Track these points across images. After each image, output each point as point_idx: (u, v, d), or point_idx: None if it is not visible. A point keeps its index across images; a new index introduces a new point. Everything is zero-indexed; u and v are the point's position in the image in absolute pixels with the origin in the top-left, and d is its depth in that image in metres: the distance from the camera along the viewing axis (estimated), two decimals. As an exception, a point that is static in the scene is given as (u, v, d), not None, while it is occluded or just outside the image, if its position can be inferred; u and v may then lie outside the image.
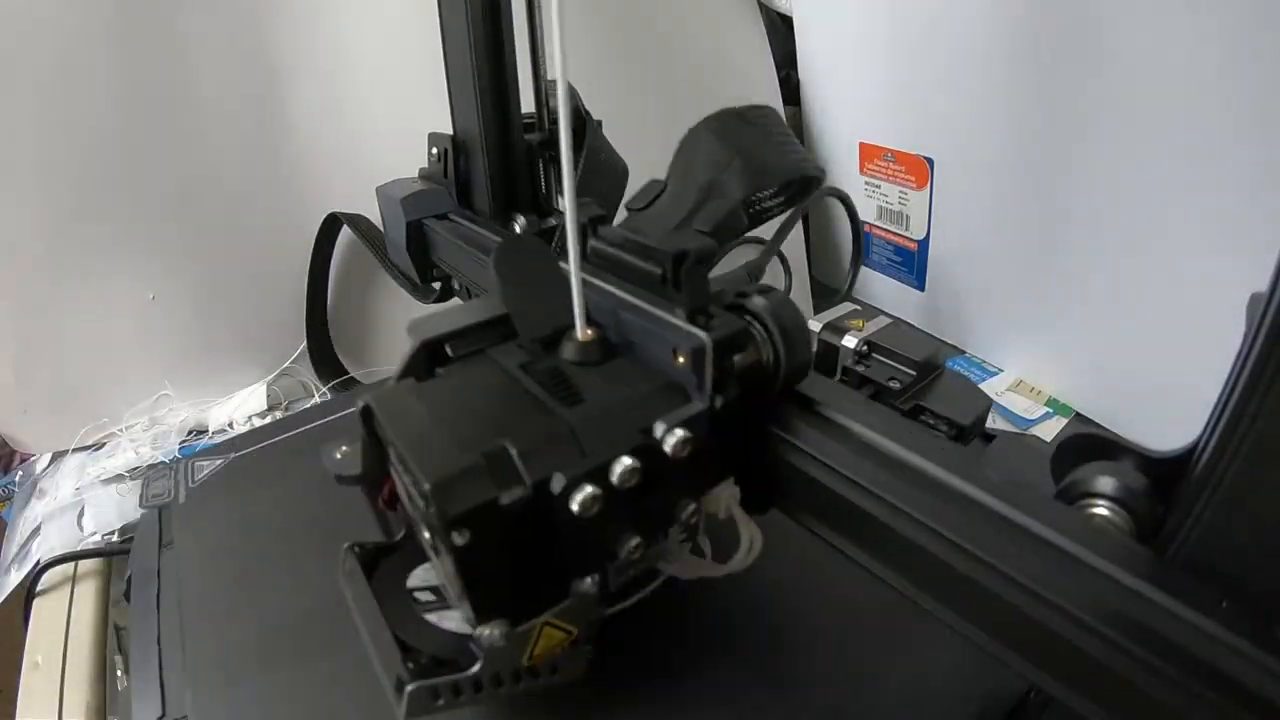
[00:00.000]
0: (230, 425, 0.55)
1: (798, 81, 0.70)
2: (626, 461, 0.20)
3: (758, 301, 0.23)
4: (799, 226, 0.71)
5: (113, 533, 0.46)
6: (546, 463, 0.20)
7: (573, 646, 0.24)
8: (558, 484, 0.20)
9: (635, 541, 0.22)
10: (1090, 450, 0.20)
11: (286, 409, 0.56)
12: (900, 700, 0.29)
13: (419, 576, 0.27)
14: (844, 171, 0.68)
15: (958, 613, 0.20)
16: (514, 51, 0.35)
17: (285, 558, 0.37)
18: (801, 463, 0.23)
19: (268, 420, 0.55)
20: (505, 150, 0.37)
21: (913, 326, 0.66)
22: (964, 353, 0.62)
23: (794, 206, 0.30)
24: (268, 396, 0.57)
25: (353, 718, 0.30)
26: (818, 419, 0.23)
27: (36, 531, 0.47)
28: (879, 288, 0.69)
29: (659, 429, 0.21)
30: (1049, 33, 0.47)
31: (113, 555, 0.45)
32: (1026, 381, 0.58)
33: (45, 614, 0.42)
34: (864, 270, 0.70)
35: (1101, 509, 0.19)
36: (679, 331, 0.22)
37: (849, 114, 0.66)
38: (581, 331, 0.24)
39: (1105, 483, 0.19)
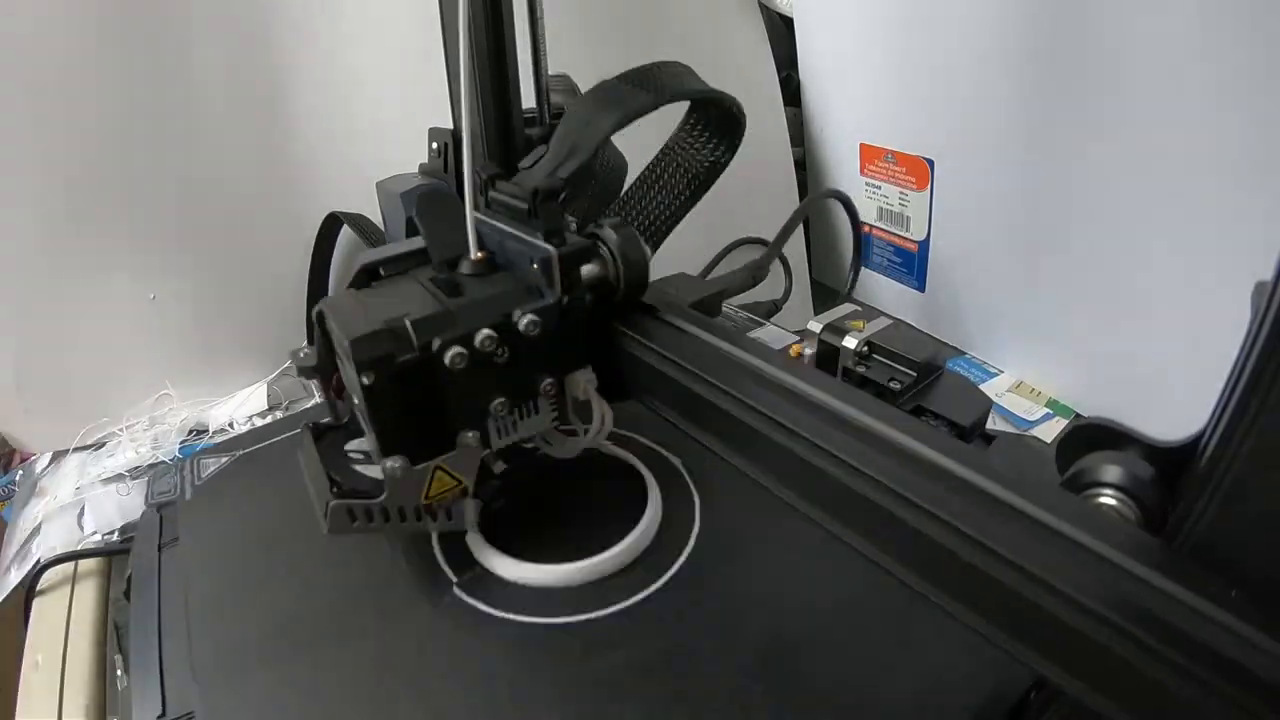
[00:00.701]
0: (231, 425, 0.55)
1: (798, 83, 0.70)
2: (486, 331, 0.28)
3: (608, 232, 0.30)
4: (799, 228, 0.71)
5: (113, 532, 0.46)
6: (429, 330, 0.28)
7: (463, 496, 0.31)
8: (435, 344, 0.27)
9: (501, 400, 0.30)
10: (1095, 440, 0.20)
11: (287, 409, 0.56)
12: (899, 700, 0.29)
13: (354, 445, 0.35)
14: (845, 173, 0.68)
15: (881, 549, 0.21)
16: (515, 46, 0.35)
17: (290, 554, 0.37)
18: (639, 351, 0.30)
19: (268, 420, 0.55)
20: (506, 145, 0.37)
21: (913, 327, 0.66)
22: (964, 354, 0.62)
23: (734, 144, 0.35)
24: (268, 396, 0.57)
25: (360, 711, 0.30)
26: (657, 320, 0.31)
27: (37, 531, 0.47)
28: (879, 289, 0.69)
29: (516, 313, 0.28)
30: (1049, 34, 0.47)
31: (113, 554, 0.45)
32: (1026, 383, 0.58)
33: (45, 613, 0.42)
34: (864, 271, 0.70)
35: (1108, 498, 0.19)
36: (536, 247, 0.29)
37: (850, 115, 0.66)
38: (473, 252, 0.31)
39: (1111, 471, 0.19)
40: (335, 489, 0.31)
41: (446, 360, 0.27)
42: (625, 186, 0.39)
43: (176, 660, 0.33)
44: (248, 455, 0.45)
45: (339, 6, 0.54)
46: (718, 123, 0.35)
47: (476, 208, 0.31)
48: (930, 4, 0.54)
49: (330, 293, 0.59)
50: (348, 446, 0.35)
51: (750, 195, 0.66)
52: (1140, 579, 0.16)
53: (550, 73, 0.39)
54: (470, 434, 0.30)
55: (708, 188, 0.37)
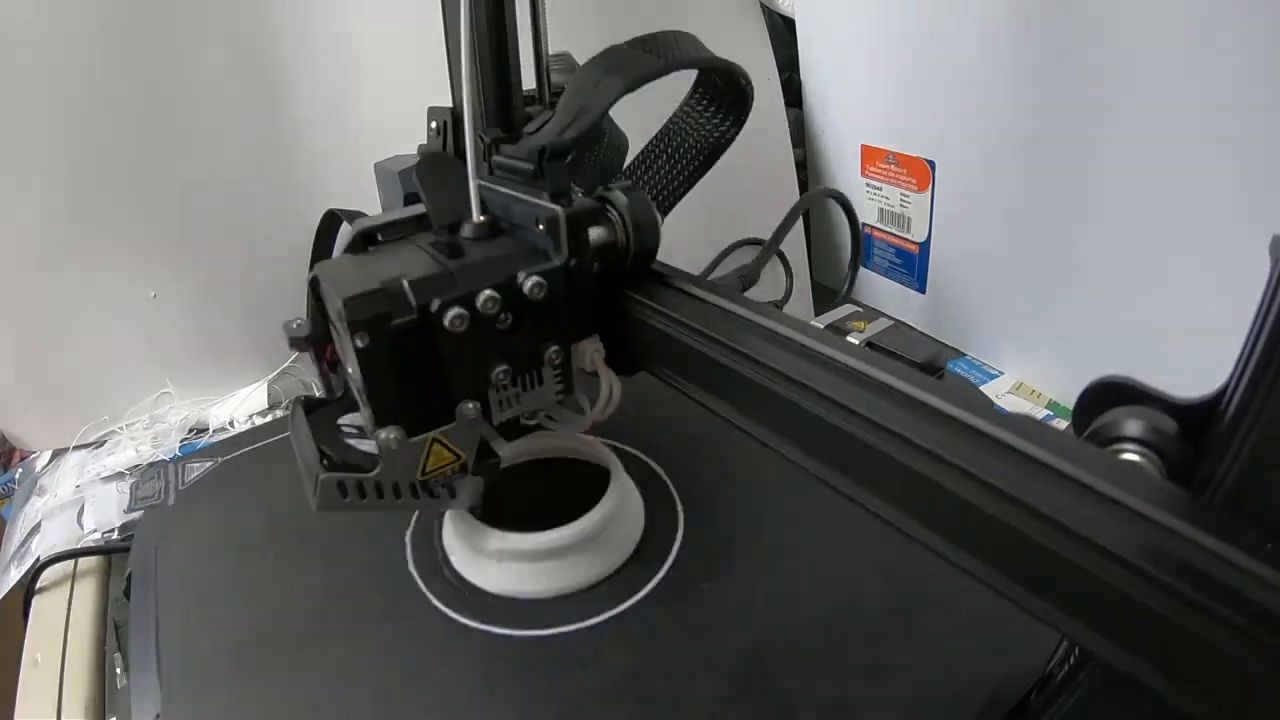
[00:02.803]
0: (231, 424, 0.55)
1: (800, 84, 0.70)
2: (488, 292, 0.26)
3: (617, 194, 0.29)
4: (800, 229, 0.71)
5: (113, 530, 0.46)
6: (428, 291, 0.26)
7: (462, 473, 0.30)
8: (434, 305, 0.26)
9: (504, 368, 0.28)
10: (1114, 397, 0.19)
11: (287, 408, 0.56)
12: (900, 701, 0.29)
13: (348, 419, 0.33)
14: (846, 174, 0.68)
15: (939, 533, 0.19)
16: (515, 25, 0.35)
17: (272, 561, 0.37)
18: (654, 319, 0.28)
19: (269, 419, 0.55)
20: (506, 124, 0.37)
21: (914, 329, 0.66)
22: (965, 355, 0.62)
23: (741, 119, 0.34)
24: (268, 395, 0.57)
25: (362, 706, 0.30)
26: (669, 288, 0.29)
27: (37, 529, 0.47)
28: (880, 290, 0.69)
29: (520, 275, 0.27)
30: (1051, 35, 0.47)
31: (112, 553, 0.45)
32: (1027, 384, 0.58)
33: (45, 611, 0.42)
34: (865, 272, 0.70)
35: (1131, 453, 0.18)
36: (541, 208, 0.28)
37: (851, 116, 0.66)
38: (475, 215, 0.30)
39: (1135, 426, 0.18)
40: (326, 462, 0.29)
41: (446, 322, 0.26)
42: (626, 163, 0.39)
43: (165, 663, 0.33)
44: (231, 461, 0.45)
45: (338, 5, 0.54)
46: (725, 95, 0.34)
47: (480, 173, 0.30)
48: (932, 6, 0.54)
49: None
50: (341, 421, 0.33)
51: (751, 196, 0.66)
52: (1177, 533, 0.15)
53: (550, 52, 0.38)
54: (470, 405, 0.28)
55: (712, 163, 0.36)
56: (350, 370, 0.28)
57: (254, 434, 0.49)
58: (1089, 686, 0.22)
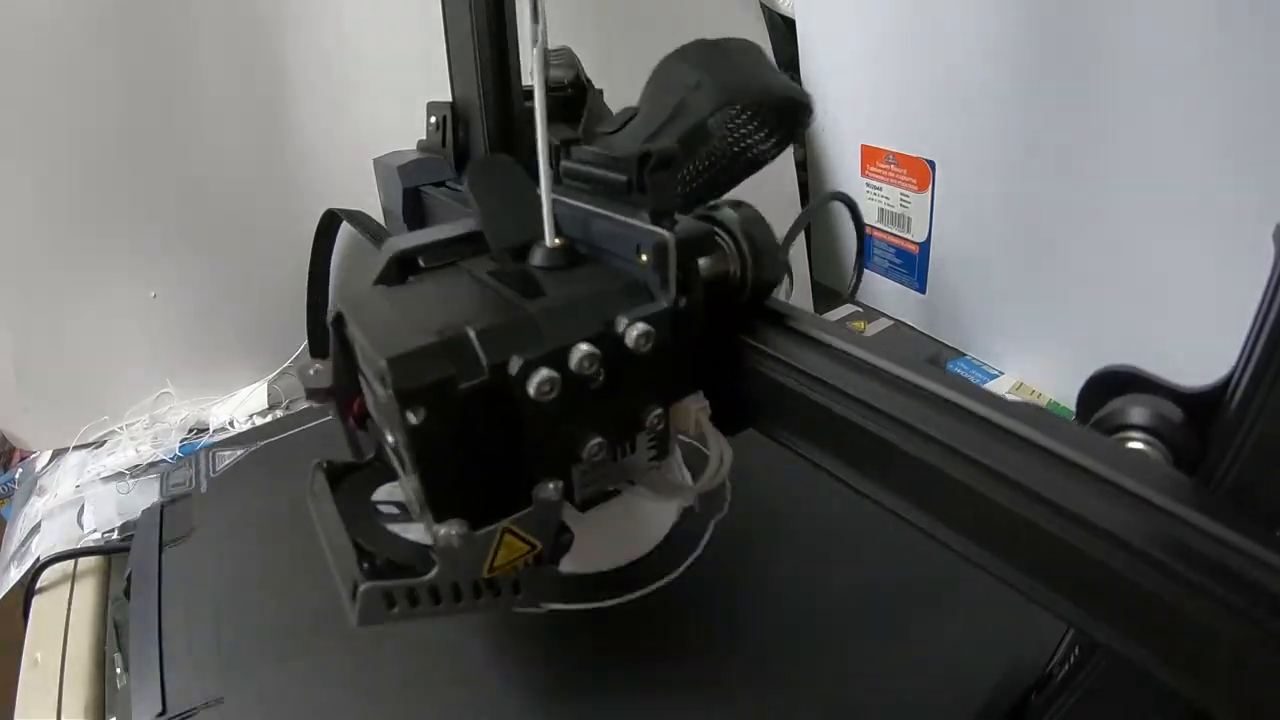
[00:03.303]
0: (231, 424, 0.55)
1: (800, 84, 0.70)
2: (584, 348, 0.21)
3: (727, 213, 0.23)
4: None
5: (112, 530, 0.46)
6: (504, 346, 0.20)
7: (536, 564, 0.24)
8: (514, 365, 0.20)
9: (597, 441, 0.22)
10: (1119, 386, 0.19)
11: (288, 408, 0.56)
12: (901, 699, 0.29)
13: (384, 492, 0.26)
14: (846, 174, 0.68)
15: (981, 544, 0.19)
16: (515, 19, 0.35)
17: (310, 545, 0.37)
18: (776, 372, 0.22)
19: (269, 419, 0.55)
20: (505, 119, 0.36)
21: (914, 329, 0.66)
22: (965, 355, 0.62)
23: (787, 143, 0.29)
24: (269, 395, 0.57)
25: (381, 699, 0.30)
26: (792, 332, 0.23)
27: (36, 529, 0.47)
28: (880, 290, 0.69)
29: (620, 322, 0.21)
30: (1051, 35, 0.47)
31: (112, 553, 0.45)
32: (1027, 384, 0.58)
33: (45, 611, 0.42)
34: (866, 272, 0.70)
35: (1138, 442, 0.18)
36: (642, 231, 0.23)
37: (851, 116, 0.66)
38: (550, 238, 0.24)
39: (1140, 414, 0.18)
40: (366, 565, 0.23)
41: (531, 389, 0.20)
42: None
43: (183, 654, 0.33)
44: (263, 448, 0.45)
45: (340, 6, 0.54)
46: (781, 119, 0.29)
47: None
48: (932, 6, 0.54)
49: (331, 293, 0.58)
50: (376, 497, 0.26)
51: (751, 196, 0.66)
52: (1185, 520, 0.15)
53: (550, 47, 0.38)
54: (551, 485, 0.22)
55: (742, 179, 0.31)
56: (391, 441, 0.23)
57: (278, 425, 0.49)
58: (1089, 686, 0.22)
